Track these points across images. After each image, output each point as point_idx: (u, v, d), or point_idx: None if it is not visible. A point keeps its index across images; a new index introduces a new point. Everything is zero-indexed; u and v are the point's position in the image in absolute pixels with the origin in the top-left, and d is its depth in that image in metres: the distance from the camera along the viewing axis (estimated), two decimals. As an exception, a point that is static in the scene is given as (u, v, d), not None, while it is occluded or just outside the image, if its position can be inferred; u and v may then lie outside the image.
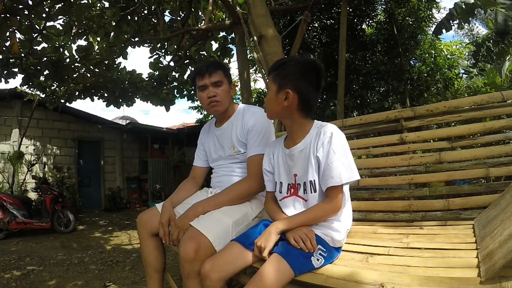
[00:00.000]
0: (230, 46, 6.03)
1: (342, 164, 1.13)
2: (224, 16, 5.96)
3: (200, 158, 1.76)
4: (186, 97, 7.07)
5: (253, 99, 8.20)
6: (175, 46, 5.58)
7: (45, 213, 5.83)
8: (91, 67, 5.48)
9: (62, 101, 6.43)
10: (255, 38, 3.30)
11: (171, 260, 3.20)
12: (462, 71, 8.24)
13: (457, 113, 1.62)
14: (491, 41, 5.25)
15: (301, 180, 1.22)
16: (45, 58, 5.00)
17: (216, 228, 1.31)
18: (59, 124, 8.83)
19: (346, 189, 1.21)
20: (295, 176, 1.24)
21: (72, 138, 9.05)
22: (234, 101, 1.69)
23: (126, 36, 5.40)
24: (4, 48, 4.64)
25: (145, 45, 5.78)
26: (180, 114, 44.21)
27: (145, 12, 5.43)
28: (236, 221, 1.38)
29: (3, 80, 4.96)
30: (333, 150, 1.13)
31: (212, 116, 1.73)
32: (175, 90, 6.73)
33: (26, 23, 4.32)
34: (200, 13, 5.78)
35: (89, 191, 9.20)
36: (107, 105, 6.47)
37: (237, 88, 8.51)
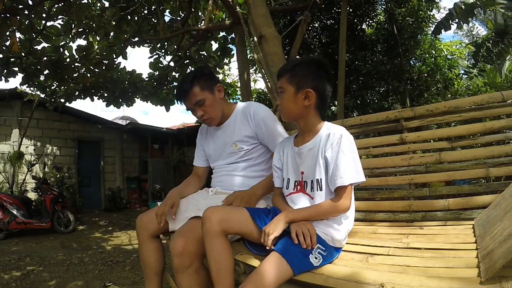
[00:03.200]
0: (230, 46, 6.02)
1: (349, 165, 1.16)
2: (224, 16, 5.95)
3: (200, 158, 1.76)
4: (186, 97, 7.04)
5: (253, 99, 8.20)
6: (175, 46, 5.57)
7: (45, 213, 5.83)
8: (91, 67, 5.47)
9: (62, 101, 6.43)
10: (255, 38, 3.29)
11: (171, 260, 3.19)
12: (462, 72, 8.25)
13: (457, 113, 1.63)
14: (491, 41, 5.25)
15: (308, 178, 1.24)
16: (45, 58, 5.00)
17: None
18: (59, 124, 8.82)
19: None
20: (302, 174, 1.26)
21: (72, 138, 9.05)
22: (234, 101, 1.68)
23: (126, 36, 5.40)
24: (4, 48, 4.64)
25: (145, 45, 5.77)
26: (180, 114, 44.38)
27: (145, 12, 5.42)
28: None
29: (3, 79, 4.96)
30: (342, 151, 1.16)
31: None
32: (175, 90, 6.72)
33: (26, 23, 4.31)
34: (200, 13, 5.78)
35: (89, 191, 9.19)
36: (107, 105, 6.47)
37: (237, 89, 8.54)
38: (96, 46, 5.36)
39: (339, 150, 1.16)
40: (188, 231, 1.30)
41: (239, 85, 6.56)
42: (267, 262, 1.05)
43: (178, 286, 1.31)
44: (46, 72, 5.23)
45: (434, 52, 8.16)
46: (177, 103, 6.82)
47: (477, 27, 15.73)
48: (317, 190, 1.21)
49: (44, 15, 4.46)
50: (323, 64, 1.26)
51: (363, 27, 8.15)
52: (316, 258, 1.09)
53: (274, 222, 1.17)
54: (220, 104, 1.58)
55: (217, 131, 1.65)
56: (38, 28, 4.56)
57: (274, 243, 1.13)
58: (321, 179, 1.20)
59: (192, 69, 5.91)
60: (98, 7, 5.24)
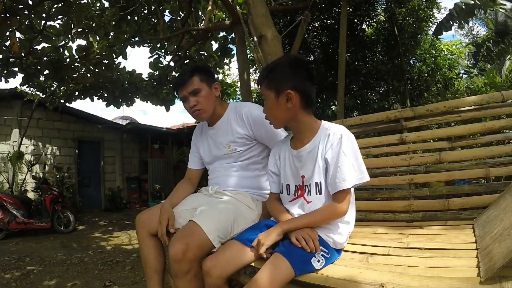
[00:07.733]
0: (230, 46, 6.02)
1: (352, 166, 1.12)
2: (224, 16, 5.95)
3: (194, 160, 1.76)
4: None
5: (253, 99, 8.18)
6: (175, 46, 5.57)
7: (45, 213, 5.84)
8: (91, 67, 5.47)
9: (62, 101, 6.43)
10: (255, 38, 3.29)
11: (169, 265, 3.19)
12: (462, 71, 8.26)
13: (457, 113, 1.62)
14: (491, 41, 5.26)
15: (308, 181, 1.21)
16: (45, 58, 4.99)
17: (215, 224, 1.33)
18: (59, 124, 8.82)
19: (351, 191, 1.20)
20: (302, 178, 1.22)
21: (72, 138, 9.05)
22: (234, 101, 1.69)
23: (126, 36, 5.40)
24: (4, 48, 4.64)
25: (145, 45, 5.77)
26: (180, 114, 44.31)
27: (145, 12, 5.42)
28: (235, 218, 1.40)
29: (3, 79, 4.96)
30: (343, 152, 1.12)
31: None
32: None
33: (26, 23, 4.31)
34: (200, 13, 5.78)
35: (89, 191, 9.19)
36: (107, 105, 6.47)
37: (237, 89, 8.53)
38: (96, 46, 5.35)
39: (340, 151, 1.12)
40: (187, 236, 1.28)
41: (239, 85, 6.56)
42: (269, 264, 1.04)
43: None
44: (46, 72, 5.22)
45: (434, 52, 8.16)
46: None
47: (477, 27, 15.73)
48: (316, 194, 1.18)
49: (44, 15, 4.45)
50: (301, 62, 1.20)
51: (363, 27, 8.15)
52: (318, 261, 1.08)
53: (269, 231, 1.15)
54: (214, 101, 1.58)
55: (210, 131, 1.65)
56: (38, 28, 4.56)
57: (270, 252, 1.12)
58: (320, 182, 1.17)
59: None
60: (98, 7, 5.24)
